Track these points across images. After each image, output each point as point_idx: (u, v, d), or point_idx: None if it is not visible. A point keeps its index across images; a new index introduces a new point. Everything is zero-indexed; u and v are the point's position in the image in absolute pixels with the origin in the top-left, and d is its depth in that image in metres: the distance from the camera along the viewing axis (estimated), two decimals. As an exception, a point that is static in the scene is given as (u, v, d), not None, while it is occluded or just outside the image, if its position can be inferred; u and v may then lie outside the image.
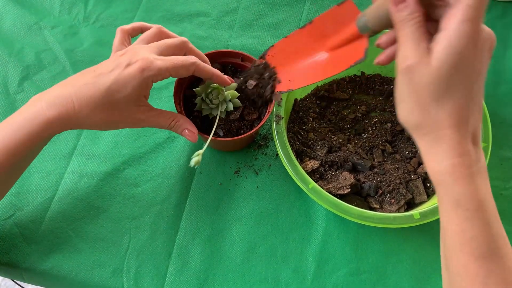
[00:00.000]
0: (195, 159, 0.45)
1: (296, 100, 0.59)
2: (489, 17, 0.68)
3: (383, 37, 0.38)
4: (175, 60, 0.42)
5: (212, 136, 0.50)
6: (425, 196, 0.51)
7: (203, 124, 0.53)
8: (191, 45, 0.47)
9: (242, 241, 0.52)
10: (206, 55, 0.53)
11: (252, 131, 0.50)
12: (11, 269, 0.51)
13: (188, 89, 0.55)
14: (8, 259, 0.51)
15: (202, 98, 0.51)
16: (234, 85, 0.50)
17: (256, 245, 0.52)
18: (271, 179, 0.56)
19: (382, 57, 0.38)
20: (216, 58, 0.55)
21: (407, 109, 0.34)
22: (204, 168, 0.57)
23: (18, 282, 0.58)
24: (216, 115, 0.50)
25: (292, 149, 0.49)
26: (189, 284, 0.50)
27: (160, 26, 0.47)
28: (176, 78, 0.52)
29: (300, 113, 0.58)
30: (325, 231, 0.53)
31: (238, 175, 0.56)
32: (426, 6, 0.33)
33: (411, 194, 0.51)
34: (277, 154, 0.57)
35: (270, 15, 0.69)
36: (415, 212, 0.46)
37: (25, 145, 0.41)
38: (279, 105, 0.51)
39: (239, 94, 0.51)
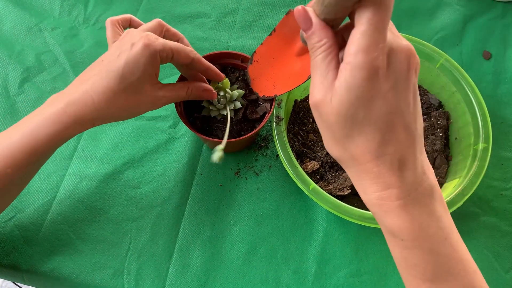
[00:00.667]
0: (218, 154, 0.44)
1: (296, 101, 0.59)
2: (488, 18, 0.68)
3: None
4: (177, 44, 0.43)
5: (212, 138, 0.50)
6: (426, 197, 0.51)
7: (203, 126, 0.53)
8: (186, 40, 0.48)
9: (242, 242, 0.52)
10: (206, 56, 0.53)
11: (252, 132, 0.50)
12: (12, 271, 0.51)
13: None
14: (9, 261, 0.51)
15: (208, 100, 0.51)
16: (237, 87, 0.51)
17: (256, 246, 0.52)
18: (271, 180, 0.56)
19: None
20: (216, 59, 0.55)
21: (326, 142, 0.32)
22: (205, 170, 0.57)
23: (19, 284, 0.58)
24: (225, 115, 0.51)
25: (292, 150, 0.49)
26: (189, 286, 0.50)
27: (160, 19, 0.46)
28: (176, 81, 0.52)
29: (300, 114, 0.58)
30: (325, 232, 0.52)
31: (238, 176, 0.56)
32: (340, 29, 0.31)
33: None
34: (278, 155, 0.57)
35: (270, 16, 0.69)
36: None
37: (44, 145, 0.41)
38: (279, 106, 0.51)
39: (244, 92, 0.52)
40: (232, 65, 0.56)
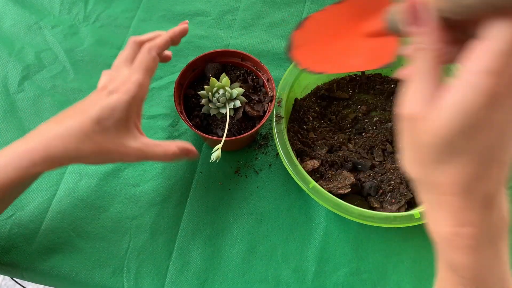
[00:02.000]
0: (216, 153, 0.46)
1: (296, 99, 0.58)
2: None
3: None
4: (142, 64, 0.42)
5: (211, 136, 0.50)
6: (426, 196, 0.51)
7: (203, 124, 0.53)
8: (138, 37, 0.45)
9: (242, 241, 0.52)
10: (206, 54, 0.53)
11: (252, 131, 0.50)
12: (12, 269, 0.51)
13: (189, 89, 0.55)
14: (8, 259, 0.51)
15: (208, 98, 0.51)
16: (237, 85, 0.51)
17: (256, 245, 0.52)
18: (271, 178, 0.56)
19: (405, 72, 0.30)
20: (216, 58, 0.55)
21: (408, 159, 0.28)
22: (204, 168, 0.57)
23: (18, 281, 0.58)
24: (224, 114, 0.51)
25: (292, 149, 0.49)
26: (189, 284, 0.50)
27: (132, 37, 0.45)
28: (176, 79, 0.52)
29: (301, 113, 0.58)
30: (325, 231, 0.52)
31: (238, 175, 0.56)
32: (452, 27, 0.25)
33: (411, 193, 0.51)
34: (278, 154, 0.57)
35: (270, 14, 0.69)
36: (415, 211, 0.46)
37: (11, 181, 0.39)
38: (279, 105, 0.51)
39: (244, 91, 0.52)
40: (233, 63, 0.56)
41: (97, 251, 0.52)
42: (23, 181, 0.40)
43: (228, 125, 0.52)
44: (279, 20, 0.69)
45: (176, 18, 0.69)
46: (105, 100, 0.40)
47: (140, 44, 0.44)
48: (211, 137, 0.50)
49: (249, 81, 0.56)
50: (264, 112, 0.53)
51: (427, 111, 0.24)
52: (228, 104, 0.51)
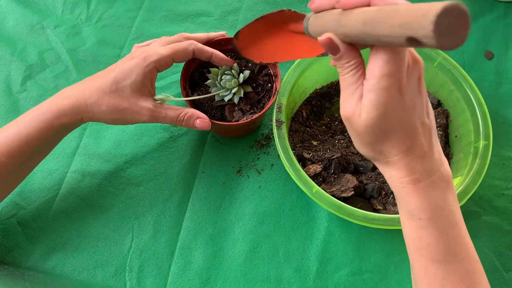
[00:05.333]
0: (162, 97, 0.47)
1: (296, 104, 0.59)
2: (491, 18, 0.68)
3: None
4: (174, 46, 0.47)
5: (209, 119, 0.51)
6: (428, 196, 0.51)
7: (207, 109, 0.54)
8: (189, 34, 0.52)
9: (244, 241, 0.52)
10: (217, 40, 0.55)
11: (248, 120, 0.51)
12: (14, 268, 0.52)
13: (196, 72, 0.56)
14: (11, 258, 0.51)
15: (216, 82, 0.52)
16: (247, 73, 0.53)
17: (258, 245, 0.52)
18: (273, 178, 0.56)
19: (315, 5, 0.36)
20: (226, 43, 0.56)
21: (356, 145, 0.36)
22: (207, 168, 0.57)
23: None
24: (229, 100, 0.53)
25: (294, 153, 0.49)
26: (191, 283, 0.50)
27: (184, 34, 0.52)
28: (181, 71, 0.53)
29: (301, 117, 0.58)
30: (327, 231, 0.53)
31: (240, 175, 0.56)
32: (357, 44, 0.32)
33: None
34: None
35: (272, 15, 0.69)
36: (417, 211, 0.46)
37: (37, 133, 0.44)
38: (279, 110, 0.51)
39: (249, 72, 0.53)
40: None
41: (99, 250, 0.52)
42: (48, 133, 0.44)
43: (230, 110, 0.53)
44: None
45: (178, 18, 0.70)
46: (125, 64, 0.46)
47: (186, 39, 0.51)
48: (218, 122, 0.50)
49: (253, 69, 0.56)
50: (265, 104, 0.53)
51: (356, 109, 0.32)
52: (234, 90, 0.52)
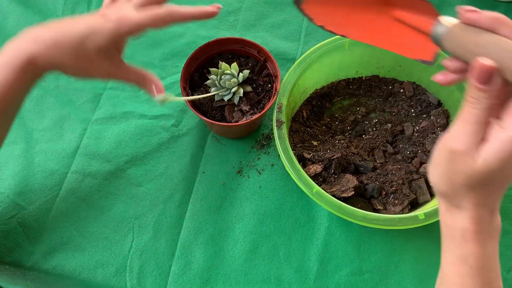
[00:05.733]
0: (161, 98, 0.45)
1: (296, 104, 0.59)
2: (491, 18, 0.68)
3: (454, 63, 0.34)
4: (152, 14, 0.41)
5: (209, 119, 0.51)
6: (429, 196, 0.51)
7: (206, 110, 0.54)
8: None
9: (245, 241, 0.52)
10: (224, 39, 0.55)
11: (248, 120, 0.51)
12: (15, 268, 0.52)
13: (196, 73, 0.56)
14: (11, 258, 0.51)
15: (216, 82, 0.52)
16: (246, 72, 0.52)
17: (258, 245, 0.52)
18: (273, 178, 0.56)
19: (441, 77, 0.36)
20: (232, 43, 0.56)
21: (438, 175, 0.34)
22: (207, 168, 0.57)
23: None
24: (229, 100, 0.52)
25: (294, 154, 0.49)
26: (192, 284, 0.50)
27: None
28: (181, 74, 0.53)
29: (301, 118, 0.58)
30: (327, 231, 0.53)
31: (241, 175, 0.56)
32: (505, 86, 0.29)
33: (414, 194, 0.51)
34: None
35: (273, 15, 0.70)
36: (419, 212, 0.46)
37: (10, 84, 0.41)
38: (279, 110, 0.51)
39: (249, 71, 0.53)
40: (246, 53, 0.56)
41: (100, 250, 0.52)
42: (21, 84, 0.42)
43: (230, 111, 0.53)
44: (281, 21, 0.69)
45: (178, 19, 0.70)
46: (92, 21, 0.41)
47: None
48: (212, 121, 0.50)
49: (253, 67, 0.56)
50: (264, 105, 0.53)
51: (471, 151, 0.30)
52: (234, 89, 0.52)
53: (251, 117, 0.52)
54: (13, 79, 0.41)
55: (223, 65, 0.53)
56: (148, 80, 0.45)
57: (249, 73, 0.54)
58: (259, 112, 0.52)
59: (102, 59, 0.43)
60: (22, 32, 0.43)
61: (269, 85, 0.55)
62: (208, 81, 0.53)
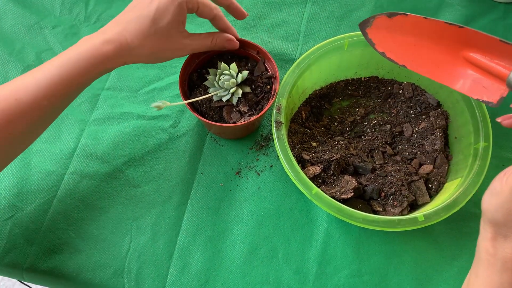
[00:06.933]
0: (158, 104, 0.47)
1: (295, 105, 0.58)
2: (490, 19, 0.68)
3: None
4: None
5: (207, 120, 0.51)
6: (428, 197, 0.51)
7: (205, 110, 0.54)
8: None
9: (243, 242, 0.52)
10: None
11: (246, 122, 0.50)
12: (12, 269, 0.51)
13: (195, 73, 0.56)
14: (8, 259, 0.51)
15: (214, 82, 0.52)
16: (245, 73, 0.53)
17: (257, 246, 0.52)
18: (272, 180, 0.56)
19: (507, 122, 0.42)
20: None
21: (495, 204, 0.37)
22: (206, 169, 0.57)
23: (28, 284, 0.58)
24: (228, 100, 0.52)
25: (293, 155, 0.49)
26: (190, 286, 0.50)
27: None
28: (179, 74, 0.53)
29: (300, 119, 0.58)
30: (326, 233, 0.52)
31: (239, 176, 0.56)
32: None
33: (413, 195, 0.51)
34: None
35: (272, 15, 0.69)
36: (419, 214, 0.46)
37: (80, 78, 0.44)
38: (278, 111, 0.51)
39: (248, 72, 0.53)
40: (245, 54, 0.56)
41: (97, 252, 0.51)
42: (89, 80, 0.45)
43: (228, 111, 0.53)
44: (280, 21, 0.69)
45: (177, 19, 0.69)
46: (157, 2, 0.45)
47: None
48: (217, 123, 0.50)
49: (252, 69, 0.56)
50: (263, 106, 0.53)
51: None
52: (232, 90, 0.52)
53: (250, 118, 0.51)
54: (87, 71, 0.44)
55: (222, 65, 0.53)
56: (219, 39, 0.51)
57: (248, 74, 0.54)
58: (258, 113, 0.52)
59: (176, 35, 0.47)
60: (97, 33, 0.46)
61: (268, 86, 0.55)
62: (207, 82, 0.53)
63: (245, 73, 0.53)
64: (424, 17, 0.48)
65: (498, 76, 0.41)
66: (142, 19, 0.45)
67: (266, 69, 0.55)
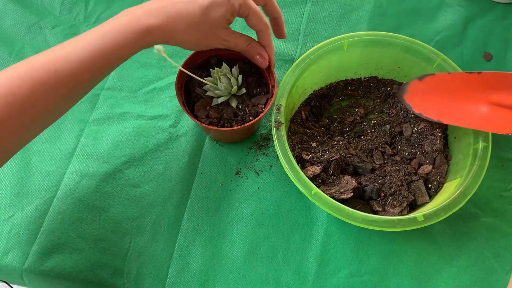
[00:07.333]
0: (158, 48, 0.46)
1: (294, 105, 0.58)
2: (489, 19, 0.68)
3: None
4: (257, 8, 0.48)
5: (206, 124, 0.51)
6: (427, 197, 0.51)
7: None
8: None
9: (243, 242, 0.52)
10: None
11: (246, 124, 0.50)
12: (11, 270, 0.51)
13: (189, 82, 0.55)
14: (8, 260, 0.51)
15: (211, 85, 0.52)
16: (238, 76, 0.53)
17: (257, 246, 0.52)
18: (272, 180, 0.56)
19: None
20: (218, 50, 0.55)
21: None
22: (205, 169, 0.57)
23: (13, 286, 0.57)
24: (226, 102, 0.52)
25: (293, 155, 0.49)
26: (190, 285, 0.50)
27: None
28: (176, 80, 0.53)
29: (300, 119, 0.58)
30: (326, 232, 0.52)
31: (239, 176, 0.56)
32: None
33: (413, 195, 0.51)
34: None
35: (271, 15, 0.69)
36: (418, 214, 0.46)
37: (119, 52, 0.42)
38: (278, 111, 0.51)
39: (241, 76, 0.53)
40: (245, 58, 0.56)
41: (97, 252, 0.51)
42: (129, 52, 0.44)
43: (226, 115, 0.53)
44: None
45: (177, 19, 0.69)
46: None
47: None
48: (211, 127, 0.50)
49: (250, 72, 0.56)
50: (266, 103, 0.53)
51: None
52: (233, 92, 0.52)
53: (248, 122, 0.51)
54: (129, 43, 0.43)
55: (222, 67, 0.53)
56: (252, 48, 0.51)
57: (247, 77, 0.54)
58: (256, 117, 0.52)
59: (221, 29, 0.47)
60: (143, 5, 0.44)
61: (266, 89, 0.55)
62: (206, 86, 0.53)
63: (240, 78, 0.53)
64: (447, 73, 0.52)
65: None
66: (196, 4, 0.44)
67: (264, 77, 0.55)
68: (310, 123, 0.59)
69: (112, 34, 0.42)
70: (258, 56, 0.51)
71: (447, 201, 0.47)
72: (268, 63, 0.52)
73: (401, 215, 0.50)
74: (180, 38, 0.46)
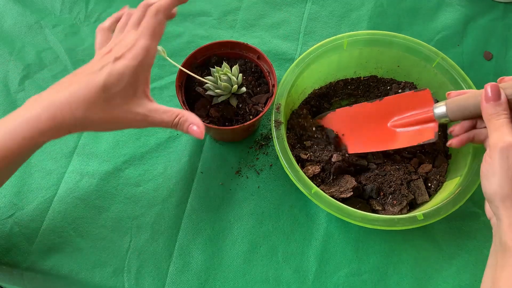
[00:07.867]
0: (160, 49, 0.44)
1: (294, 104, 0.58)
2: (490, 18, 0.68)
3: (457, 127, 0.47)
4: (149, 28, 0.41)
5: (206, 123, 0.50)
6: (427, 196, 0.51)
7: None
8: (148, 1, 0.44)
9: (243, 241, 0.52)
10: (225, 42, 0.56)
11: (246, 123, 0.50)
12: (12, 268, 0.51)
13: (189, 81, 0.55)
14: (8, 258, 0.51)
15: (212, 84, 0.52)
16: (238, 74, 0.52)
17: (257, 245, 0.52)
18: (272, 179, 0.56)
19: (454, 141, 0.47)
20: (218, 49, 0.56)
21: (496, 183, 0.38)
22: (206, 168, 0.57)
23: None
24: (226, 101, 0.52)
25: (292, 154, 0.49)
26: (190, 284, 0.50)
27: (143, 3, 0.44)
28: (176, 80, 0.53)
29: (300, 118, 0.58)
30: (326, 231, 0.53)
31: (239, 175, 0.56)
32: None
33: (412, 194, 0.51)
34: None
35: (272, 15, 0.69)
36: (418, 213, 0.46)
37: (19, 149, 0.39)
38: (278, 111, 0.51)
39: (241, 75, 0.53)
40: (246, 58, 0.56)
41: (97, 251, 0.52)
42: (29, 150, 0.40)
43: (227, 114, 0.53)
44: (280, 21, 0.69)
45: (177, 18, 0.69)
46: (111, 66, 0.38)
47: (147, 7, 0.42)
48: (211, 125, 0.50)
49: (249, 71, 0.56)
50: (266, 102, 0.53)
51: None
52: (233, 90, 0.52)
53: (248, 121, 0.51)
54: (22, 145, 0.39)
55: (222, 66, 0.53)
56: (182, 119, 0.42)
57: (248, 76, 0.54)
58: (256, 116, 0.52)
59: (131, 102, 0.40)
60: (42, 96, 0.40)
61: (266, 88, 0.55)
62: (206, 85, 0.53)
63: (240, 77, 0.53)
64: (349, 107, 0.57)
65: (425, 119, 0.50)
66: (91, 84, 0.38)
67: (264, 76, 0.55)
68: (310, 123, 0.59)
69: (11, 135, 0.38)
70: (193, 127, 0.42)
71: (447, 200, 0.47)
72: (203, 133, 0.42)
73: (401, 214, 0.50)
74: (84, 125, 0.39)
